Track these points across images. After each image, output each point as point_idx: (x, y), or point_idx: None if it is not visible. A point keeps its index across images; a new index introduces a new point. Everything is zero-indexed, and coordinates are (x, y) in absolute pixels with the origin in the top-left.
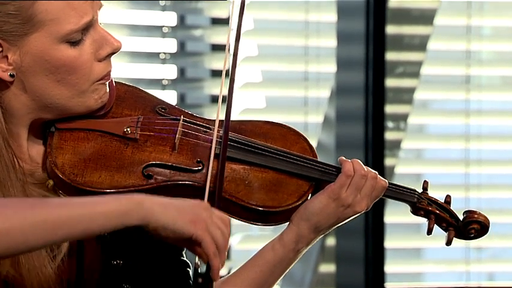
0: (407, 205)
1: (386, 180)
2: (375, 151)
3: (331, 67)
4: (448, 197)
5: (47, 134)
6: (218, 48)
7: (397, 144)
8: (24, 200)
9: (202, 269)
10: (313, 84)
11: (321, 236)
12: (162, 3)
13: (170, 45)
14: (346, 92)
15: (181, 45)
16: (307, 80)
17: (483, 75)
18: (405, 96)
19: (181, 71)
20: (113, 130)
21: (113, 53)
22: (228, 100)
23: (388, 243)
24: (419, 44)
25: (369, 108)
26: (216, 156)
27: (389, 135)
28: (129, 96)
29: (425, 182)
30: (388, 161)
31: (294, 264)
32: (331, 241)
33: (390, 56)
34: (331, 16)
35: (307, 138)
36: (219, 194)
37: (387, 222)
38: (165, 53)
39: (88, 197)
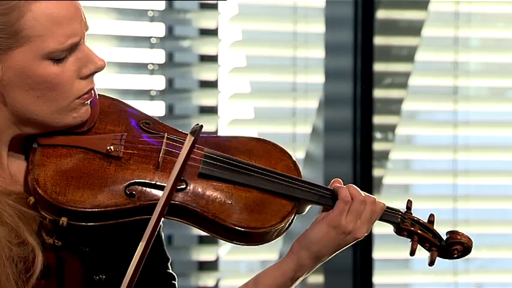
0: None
1: (383, 203)
2: (363, 162)
3: (319, 78)
4: (431, 216)
5: (29, 150)
6: (206, 59)
7: (385, 155)
8: None
9: None
10: (302, 95)
11: (321, 264)
12: (150, 13)
13: (158, 56)
14: (334, 103)
15: (170, 56)
16: (296, 91)
17: (471, 86)
18: (393, 107)
19: (170, 82)
20: (96, 147)
21: (96, 72)
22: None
23: (376, 253)
24: (407, 55)
25: (357, 119)
26: (200, 175)
27: (377, 146)
28: (112, 110)
29: (409, 202)
30: (376, 172)
31: None
32: None
33: (378, 67)
34: (319, 27)
35: (292, 156)
36: (162, 212)
37: (375, 233)
38: (153, 64)
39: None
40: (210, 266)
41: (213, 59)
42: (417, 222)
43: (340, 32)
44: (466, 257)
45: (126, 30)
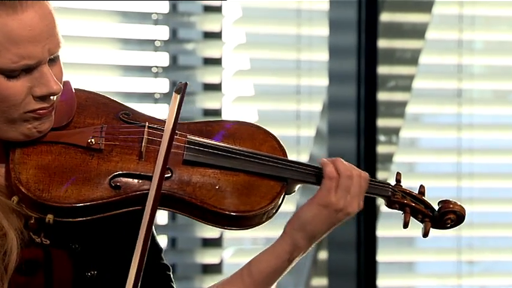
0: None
1: (366, 173)
2: (367, 165)
3: (323, 81)
4: (421, 187)
5: (9, 148)
6: (210, 61)
7: (389, 158)
8: None
9: None
10: (305, 98)
11: (316, 242)
12: (154, 16)
13: (162, 58)
14: (338, 106)
15: (174, 59)
16: (299, 94)
17: (475, 89)
18: (397, 109)
19: (174, 85)
20: (77, 141)
21: (50, 95)
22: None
23: (380, 256)
24: (411, 58)
25: (361, 122)
26: (184, 162)
27: (381, 149)
28: (90, 103)
29: (398, 174)
30: (380, 175)
31: (286, 272)
32: (323, 255)
33: (382, 69)
34: (323, 30)
35: (276, 136)
36: (156, 195)
37: (379, 235)
38: (157, 67)
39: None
40: (214, 269)
41: (217, 61)
42: (408, 194)
43: (344, 35)
44: (471, 256)
45: (130, 33)
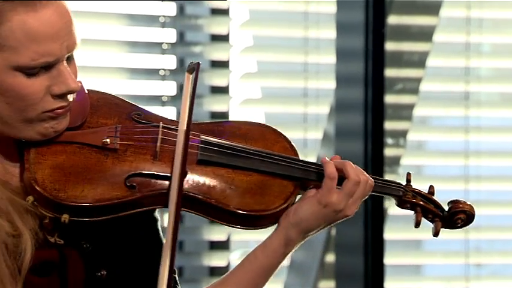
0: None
1: (372, 179)
2: (375, 167)
3: (331, 84)
4: (431, 187)
5: (23, 148)
6: (217, 64)
7: (396, 161)
8: None
9: None
10: (313, 101)
11: (308, 238)
12: (161, 19)
13: (170, 61)
14: (346, 109)
15: (181, 62)
16: (307, 97)
17: (482, 91)
18: (404, 112)
19: (181, 88)
20: (92, 141)
21: (68, 93)
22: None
23: (388, 259)
24: (419, 60)
25: (368, 125)
26: (199, 162)
27: (388, 152)
28: (102, 104)
29: (409, 175)
30: (388, 178)
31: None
32: (330, 258)
33: (389, 72)
34: (331, 33)
35: (287, 137)
36: (178, 200)
37: (387, 238)
38: (164, 70)
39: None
40: (221, 272)
41: (224, 64)
42: (418, 194)
43: (352, 38)
44: (479, 259)
45: (138, 36)
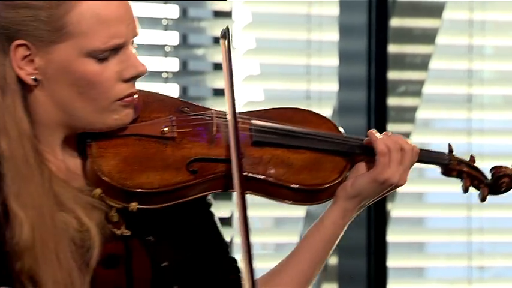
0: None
1: (417, 146)
2: None
3: (333, 86)
4: (472, 157)
5: (84, 145)
6: (220, 67)
7: None
8: None
9: None
10: (315, 103)
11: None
12: (164, 22)
13: (172, 64)
14: (349, 111)
15: (184, 64)
16: (309, 99)
17: (485, 94)
18: (407, 115)
19: (184, 90)
20: (150, 132)
21: (137, 76)
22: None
23: (391, 262)
24: (421, 63)
25: (371, 127)
26: (253, 143)
27: None
28: (151, 100)
29: (450, 146)
30: None
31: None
32: (333, 260)
33: (392, 75)
34: (333, 35)
35: (330, 119)
36: (240, 177)
37: (390, 241)
38: (167, 72)
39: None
40: None
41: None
42: (463, 161)
43: (354, 40)
44: (482, 261)
45: (140, 39)
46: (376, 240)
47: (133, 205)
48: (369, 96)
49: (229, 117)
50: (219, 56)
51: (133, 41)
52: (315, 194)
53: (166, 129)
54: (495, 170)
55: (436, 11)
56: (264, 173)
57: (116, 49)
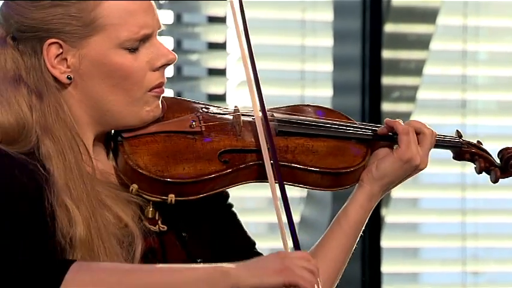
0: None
1: (427, 127)
2: None
3: (328, 91)
4: (478, 142)
5: (115, 145)
6: (215, 72)
7: None
8: (119, 266)
9: None
10: None
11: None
12: None
13: (167, 69)
14: None
15: (178, 70)
16: None
17: (479, 99)
18: (401, 120)
19: (178, 95)
20: (179, 128)
21: (167, 64)
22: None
23: (385, 267)
24: (415, 68)
25: None
26: (279, 133)
27: None
28: (173, 103)
29: (459, 131)
30: None
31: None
32: None
33: (386, 80)
34: (328, 41)
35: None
36: (276, 165)
37: (384, 246)
38: None
39: (177, 265)
40: None
41: (221, 72)
42: (473, 145)
43: (348, 46)
44: (476, 266)
45: None
46: (370, 245)
47: (171, 197)
48: (363, 101)
49: (256, 103)
50: (213, 62)
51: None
52: (342, 177)
53: (194, 123)
54: (503, 151)
55: (430, 17)
56: (292, 160)
57: (145, 39)
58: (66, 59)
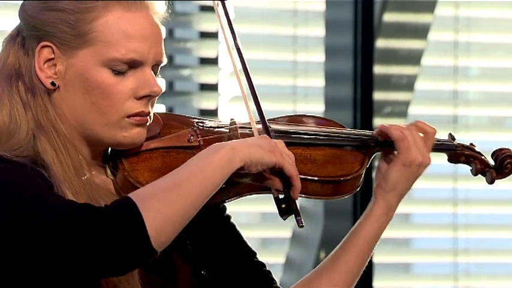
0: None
1: (430, 126)
2: (364, 190)
3: (320, 107)
4: (472, 144)
5: (113, 162)
6: (207, 87)
7: None
8: (166, 181)
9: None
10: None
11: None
12: None
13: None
14: None
15: (170, 85)
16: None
17: (470, 115)
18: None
19: (170, 111)
20: (176, 143)
21: (151, 96)
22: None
23: (377, 283)
24: (407, 84)
25: None
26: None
27: None
28: (168, 119)
29: (451, 134)
30: None
31: None
32: None
33: (378, 95)
34: (319, 56)
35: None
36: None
37: (376, 262)
38: None
39: (191, 165)
40: None
41: (213, 87)
42: (467, 147)
43: (340, 61)
44: (469, 282)
45: None
46: None
47: None
48: (355, 117)
49: (251, 117)
50: (205, 77)
51: (158, 68)
52: (342, 185)
53: (192, 138)
54: (497, 152)
55: (421, 32)
56: None
57: (135, 66)
58: (55, 65)
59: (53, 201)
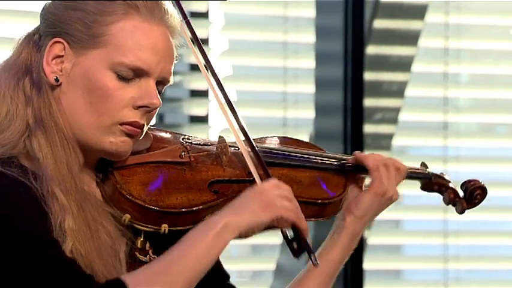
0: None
1: (404, 165)
2: None
3: (310, 113)
4: (442, 173)
5: (103, 174)
6: (197, 94)
7: None
8: (160, 266)
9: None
10: (292, 130)
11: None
12: None
13: None
14: (325, 138)
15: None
16: (286, 126)
17: (461, 121)
18: (383, 142)
19: (160, 117)
20: (168, 158)
21: (148, 107)
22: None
23: None
24: (397, 90)
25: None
26: (269, 164)
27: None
28: (157, 133)
29: (424, 163)
30: None
31: None
32: None
33: (368, 102)
34: (310, 62)
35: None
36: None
37: (366, 268)
38: None
39: (185, 240)
40: None
41: (203, 94)
42: (440, 176)
43: (330, 67)
44: None
45: None
46: (352, 267)
47: (165, 226)
48: (345, 123)
49: (239, 136)
50: (195, 83)
51: (163, 88)
52: (326, 207)
53: (183, 153)
54: (467, 184)
55: (411, 39)
56: None
57: (140, 75)
58: (63, 63)
59: (50, 256)
